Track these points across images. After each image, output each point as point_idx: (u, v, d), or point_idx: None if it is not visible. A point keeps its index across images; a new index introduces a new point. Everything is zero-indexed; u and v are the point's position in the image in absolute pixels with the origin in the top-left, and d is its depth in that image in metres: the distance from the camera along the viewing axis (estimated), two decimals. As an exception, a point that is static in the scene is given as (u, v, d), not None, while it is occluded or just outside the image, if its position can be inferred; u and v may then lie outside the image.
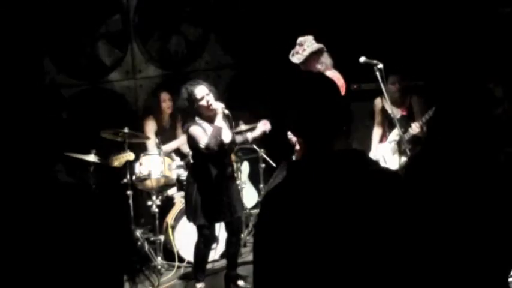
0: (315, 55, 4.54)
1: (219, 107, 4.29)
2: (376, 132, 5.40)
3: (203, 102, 4.26)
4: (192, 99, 4.25)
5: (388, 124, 5.20)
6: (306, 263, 1.56)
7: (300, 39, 4.62)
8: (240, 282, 4.63)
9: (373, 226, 1.56)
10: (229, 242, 4.67)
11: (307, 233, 1.57)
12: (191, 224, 4.52)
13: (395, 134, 5.09)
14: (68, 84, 6.16)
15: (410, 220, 1.60)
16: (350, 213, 1.57)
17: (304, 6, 6.49)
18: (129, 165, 5.19)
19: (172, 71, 6.71)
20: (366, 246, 1.55)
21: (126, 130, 5.08)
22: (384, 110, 5.21)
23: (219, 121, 4.25)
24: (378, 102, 5.28)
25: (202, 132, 4.25)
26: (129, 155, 5.05)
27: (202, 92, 4.28)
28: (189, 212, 4.48)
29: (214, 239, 4.68)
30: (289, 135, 4.30)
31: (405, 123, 5.05)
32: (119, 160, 5.05)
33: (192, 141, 4.32)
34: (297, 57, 4.56)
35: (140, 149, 5.55)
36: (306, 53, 4.52)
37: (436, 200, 2.04)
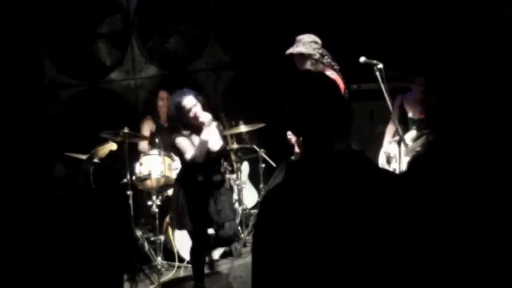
0: (295, 57, 4.50)
1: (207, 118, 4.27)
2: (390, 128, 5.37)
3: (191, 114, 4.28)
4: (181, 110, 4.27)
5: (403, 124, 5.16)
6: (305, 263, 1.56)
7: (298, 37, 4.62)
8: None
9: (372, 227, 1.56)
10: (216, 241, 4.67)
11: (306, 233, 1.56)
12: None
13: (409, 137, 5.07)
14: (68, 84, 6.15)
15: (409, 221, 1.59)
16: (349, 214, 1.56)
17: (304, 6, 6.49)
18: (129, 165, 5.19)
19: (172, 71, 6.71)
20: (364, 246, 1.55)
21: (126, 130, 5.08)
22: (402, 108, 5.21)
23: (206, 133, 4.24)
24: (398, 98, 5.25)
25: (188, 144, 4.29)
26: (112, 145, 5.03)
27: (190, 103, 4.28)
28: (175, 218, 4.50)
29: (209, 242, 4.63)
30: (289, 135, 4.29)
31: (422, 126, 5.03)
32: (102, 151, 5.03)
33: (178, 151, 4.40)
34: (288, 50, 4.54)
35: (135, 149, 5.56)
36: (286, 52, 4.52)
37: (441, 199, 2.04)
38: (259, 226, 1.72)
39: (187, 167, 4.37)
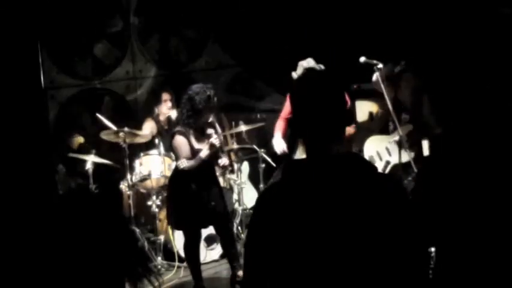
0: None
1: (216, 142, 4.27)
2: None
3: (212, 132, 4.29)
4: (194, 99, 4.21)
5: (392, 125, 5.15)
6: (296, 261, 1.57)
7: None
8: (240, 273, 4.56)
9: (366, 228, 1.56)
10: (223, 244, 4.67)
11: (298, 230, 1.57)
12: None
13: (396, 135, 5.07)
14: (68, 84, 6.15)
15: (405, 222, 1.59)
16: (344, 214, 1.56)
17: (304, 6, 6.49)
18: (129, 165, 5.19)
19: (172, 71, 6.71)
20: (358, 247, 1.55)
21: (126, 129, 5.10)
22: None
23: (206, 152, 4.25)
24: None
25: (186, 148, 4.25)
26: (79, 139, 5.23)
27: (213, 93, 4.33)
28: (169, 216, 4.54)
29: (200, 238, 4.64)
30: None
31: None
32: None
33: (173, 150, 4.39)
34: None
35: (140, 149, 5.55)
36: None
37: (439, 200, 2.04)
38: (253, 222, 1.72)
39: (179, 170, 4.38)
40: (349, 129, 4.82)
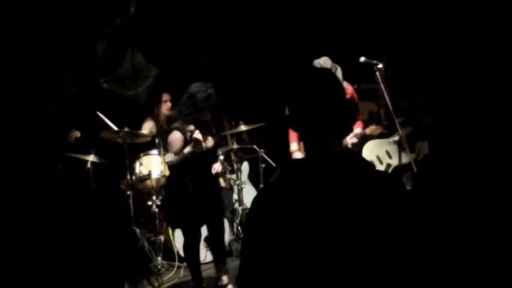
0: None
1: (199, 136, 4.24)
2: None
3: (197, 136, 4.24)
4: (195, 98, 4.22)
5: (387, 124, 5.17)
6: (295, 260, 1.57)
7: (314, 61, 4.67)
8: (224, 278, 4.56)
9: (366, 226, 1.56)
10: (213, 246, 4.66)
11: (296, 230, 1.57)
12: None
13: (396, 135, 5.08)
14: (68, 84, 6.16)
15: (405, 221, 1.59)
16: (343, 213, 1.56)
17: (304, 6, 6.50)
18: (129, 165, 5.19)
19: (172, 71, 6.71)
20: (357, 245, 1.55)
21: (126, 129, 5.11)
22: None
23: (189, 149, 4.22)
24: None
25: (178, 143, 4.25)
26: (76, 133, 5.27)
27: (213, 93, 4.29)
28: (166, 214, 4.55)
29: (199, 238, 4.63)
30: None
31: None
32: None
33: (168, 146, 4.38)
34: None
35: (140, 149, 5.55)
36: None
37: (437, 201, 2.04)
38: (250, 220, 1.72)
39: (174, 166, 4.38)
40: (376, 129, 4.81)
